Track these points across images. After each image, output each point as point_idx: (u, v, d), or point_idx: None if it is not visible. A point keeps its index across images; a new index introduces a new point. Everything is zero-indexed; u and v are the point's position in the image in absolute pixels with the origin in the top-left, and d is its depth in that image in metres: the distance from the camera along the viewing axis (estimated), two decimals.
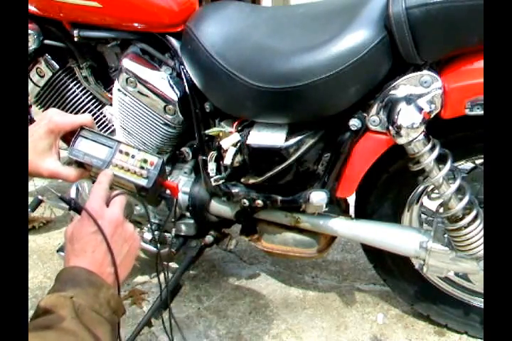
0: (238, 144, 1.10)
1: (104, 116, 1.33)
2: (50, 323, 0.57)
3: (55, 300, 0.60)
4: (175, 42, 1.13)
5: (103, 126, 1.36)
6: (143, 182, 0.77)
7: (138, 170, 0.78)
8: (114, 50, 1.25)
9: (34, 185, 2.01)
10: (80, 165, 0.79)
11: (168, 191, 0.84)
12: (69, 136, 0.80)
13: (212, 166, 1.16)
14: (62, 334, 0.56)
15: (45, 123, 0.77)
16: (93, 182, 0.84)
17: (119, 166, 0.77)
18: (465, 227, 1.05)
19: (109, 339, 0.61)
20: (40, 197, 1.59)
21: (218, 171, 1.17)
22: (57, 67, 1.30)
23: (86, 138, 0.78)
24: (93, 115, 1.35)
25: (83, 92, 1.33)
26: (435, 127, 0.98)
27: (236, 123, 1.12)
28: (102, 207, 0.70)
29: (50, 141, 0.76)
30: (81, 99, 1.34)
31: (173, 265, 1.56)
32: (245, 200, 1.17)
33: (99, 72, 1.31)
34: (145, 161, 0.78)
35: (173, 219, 1.22)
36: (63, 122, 0.77)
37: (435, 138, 1.01)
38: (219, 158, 1.16)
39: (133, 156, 0.78)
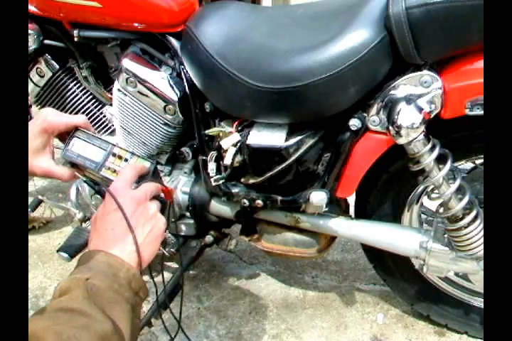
0: (238, 144, 1.10)
1: (104, 116, 1.33)
2: (61, 305, 0.57)
3: (68, 282, 0.60)
4: (175, 42, 1.13)
5: (103, 126, 1.36)
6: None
7: None
8: (114, 50, 1.25)
9: (34, 185, 2.01)
10: (73, 165, 0.79)
11: (162, 195, 0.84)
12: (65, 136, 0.80)
13: (212, 166, 1.16)
14: (73, 315, 0.56)
15: (39, 122, 0.77)
16: (91, 182, 0.85)
17: (112, 169, 0.77)
18: (465, 227, 1.05)
19: (127, 320, 0.59)
20: (40, 197, 1.59)
21: (218, 171, 1.17)
22: (57, 67, 1.30)
23: (80, 139, 0.79)
24: (93, 115, 1.35)
25: (83, 92, 1.33)
26: (435, 127, 0.98)
27: (236, 123, 1.12)
28: (124, 186, 0.70)
29: (44, 140, 0.77)
30: (81, 99, 1.34)
31: (173, 265, 1.56)
32: (245, 200, 1.17)
33: (99, 72, 1.31)
34: None
35: (169, 221, 1.21)
36: (57, 122, 0.78)
37: (435, 138, 1.01)
38: (219, 158, 1.16)
39: (126, 160, 0.78)
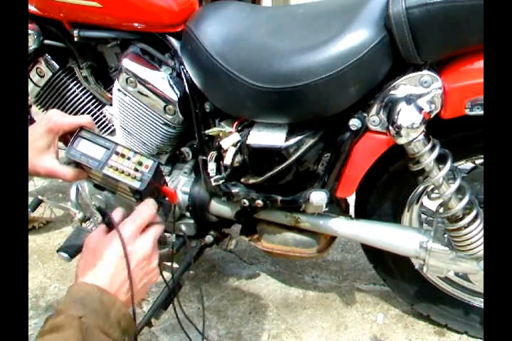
0: (238, 144, 1.10)
1: (104, 116, 1.33)
2: None
3: (63, 319, 0.59)
4: (175, 42, 1.13)
5: (103, 126, 1.36)
6: (136, 185, 0.76)
7: (132, 172, 0.77)
8: (114, 50, 1.25)
9: (34, 185, 2.01)
10: (77, 165, 0.79)
11: (166, 198, 0.84)
12: (68, 137, 0.80)
13: (212, 166, 1.16)
14: None
15: (45, 122, 0.78)
16: (95, 185, 0.84)
17: (114, 167, 0.77)
18: (465, 227, 1.05)
19: None
20: (40, 197, 1.59)
21: (218, 171, 1.17)
22: (57, 67, 1.30)
23: (84, 138, 0.79)
24: (93, 115, 1.35)
25: (83, 92, 1.33)
26: (435, 127, 0.98)
27: (236, 123, 1.12)
28: (136, 233, 0.70)
29: (49, 140, 0.77)
30: (81, 99, 1.34)
31: (173, 265, 1.56)
32: (245, 200, 1.17)
33: (99, 72, 1.31)
34: (140, 164, 0.78)
35: (174, 222, 1.21)
36: (62, 122, 0.78)
37: (435, 138, 1.01)
38: (219, 158, 1.16)
39: (129, 158, 0.77)
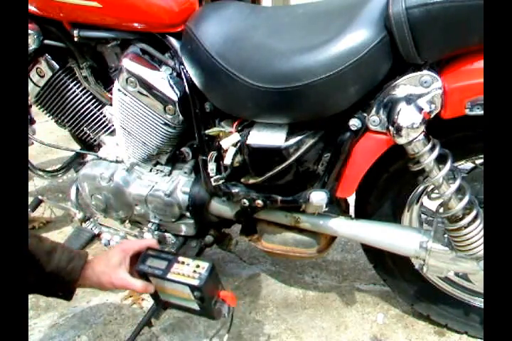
0: (238, 144, 1.10)
1: (104, 116, 1.34)
2: None
3: None
4: (175, 42, 1.13)
5: (103, 126, 1.36)
6: (195, 282, 0.91)
7: (191, 273, 0.92)
8: (114, 50, 1.25)
9: (34, 185, 2.01)
10: (146, 279, 0.96)
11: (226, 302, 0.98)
12: (135, 260, 0.98)
13: (212, 166, 1.16)
14: None
15: (119, 245, 1.02)
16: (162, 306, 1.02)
17: (175, 272, 0.93)
18: (465, 227, 1.05)
19: None
20: (40, 197, 1.60)
21: (218, 171, 1.17)
22: (57, 67, 1.30)
23: (151, 255, 0.97)
24: (93, 115, 1.35)
25: (83, 92, 1.33)
26: (435, 127, 0.98)
27: (236, 123, 1.12)
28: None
29: (121, 258, 0.96)
30: (81, 99, 1.34)
31: None
32: (245, 200, 1.17)
33: (99, 72, 1.31)
34: (198, 266, 0.93)
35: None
36: (133, 243, 1.01)
37: (435, 138, 1.01)
38: (219, 158, 1.16)
39: (188, 264, 0.94)
